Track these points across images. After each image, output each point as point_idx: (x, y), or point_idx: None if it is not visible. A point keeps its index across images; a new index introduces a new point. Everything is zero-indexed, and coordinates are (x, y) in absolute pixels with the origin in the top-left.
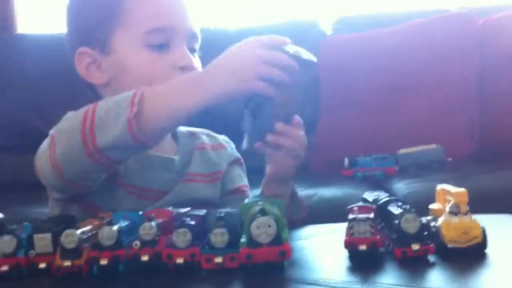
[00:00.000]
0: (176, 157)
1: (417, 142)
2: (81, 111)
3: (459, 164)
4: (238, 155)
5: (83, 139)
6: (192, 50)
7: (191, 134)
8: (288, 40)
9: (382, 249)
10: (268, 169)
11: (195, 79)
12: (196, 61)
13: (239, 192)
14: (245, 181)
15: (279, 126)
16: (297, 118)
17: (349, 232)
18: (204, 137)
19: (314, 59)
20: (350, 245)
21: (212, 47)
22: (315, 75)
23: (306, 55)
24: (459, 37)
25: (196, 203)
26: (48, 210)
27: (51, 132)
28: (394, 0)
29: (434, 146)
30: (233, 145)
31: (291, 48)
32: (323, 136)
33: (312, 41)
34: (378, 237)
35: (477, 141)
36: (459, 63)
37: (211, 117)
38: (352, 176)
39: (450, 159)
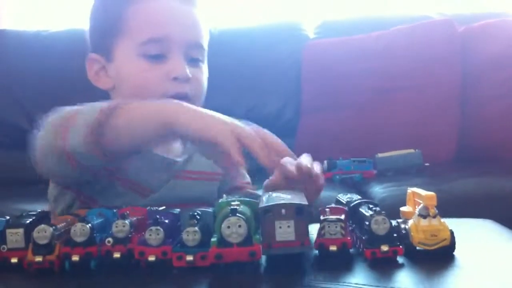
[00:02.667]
0: (180, 159)
1: (398, 146)
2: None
3: (437, 169)
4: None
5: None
6: (194, 60)
7: None
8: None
9: (352, 250)
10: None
11: (175, 106)
12: (196, 72)
13: (239, 189)
14: (246, 179)
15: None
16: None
17: (320, 233)
18: None
19: None
20: (320, 245)
21: None
22: None
23: None
24: (441, 43)
25: (188, 200)
26: (48, 190)
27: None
28: (376, 5)
29: (412, 150)
30: None
31: None
32: (304, 139)
33: (294, 44)
34: (348, 238)
35: (458, 147)
36: (441, 69)
37: None
38: (330, 178)
39: (427, 164)
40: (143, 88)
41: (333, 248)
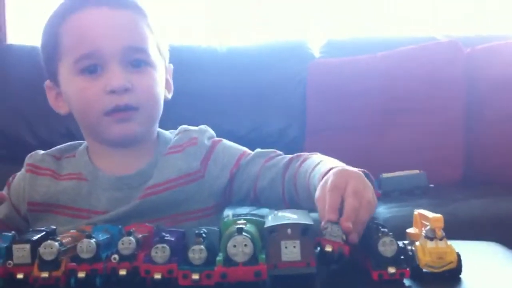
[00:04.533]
0: (133, 173)
1: (403, 167)
2: None
3: (441, 190)
4: (210, 140)
5: None
6: (136, 65)
7: (166, 142)
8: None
9: (350, 258)
10: None
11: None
12: (139, 77)
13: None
14: (240, 150)
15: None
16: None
17: (322, 232)
18: (177, 138)
19: None
20: (318, 244)
21: (203, 64)
22: None
23: None
24: (446, 65)
25: (165, 213)
26: None
27: None
28: (381, 26)
29: (416, 171)
30: (208, 133)
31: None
32: None
33: (300, 63)
34: (347, 246)
35: (463, 169)
36: (447, 90)
37: None
38: None
39: (432, 185)
40: (86, 107)
41: (328, 249)
